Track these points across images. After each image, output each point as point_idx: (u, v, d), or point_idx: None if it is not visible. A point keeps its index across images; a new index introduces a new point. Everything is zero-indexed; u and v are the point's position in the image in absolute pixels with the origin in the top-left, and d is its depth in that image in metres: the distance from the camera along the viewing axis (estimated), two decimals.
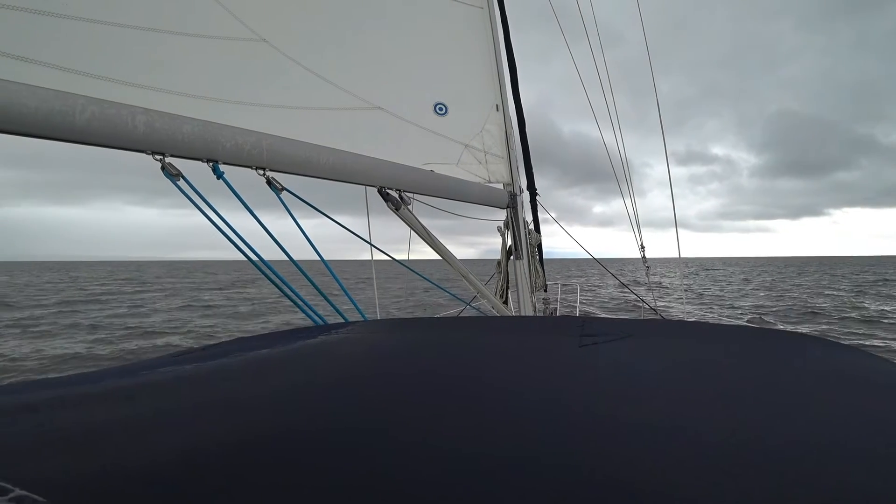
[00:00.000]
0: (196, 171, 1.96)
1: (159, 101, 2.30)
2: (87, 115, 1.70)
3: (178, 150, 1.87)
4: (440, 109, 3.20)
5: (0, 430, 0.64)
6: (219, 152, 1.95)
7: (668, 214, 5.33)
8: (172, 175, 1.87)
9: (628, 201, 4.98)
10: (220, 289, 40.77)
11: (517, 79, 3.80)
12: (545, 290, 4.18)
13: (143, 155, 1.86)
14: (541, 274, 4.05)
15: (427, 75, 3.28)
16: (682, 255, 5.19)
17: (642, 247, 5.08)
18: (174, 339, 15.45)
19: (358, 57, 3.07)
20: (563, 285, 9.56)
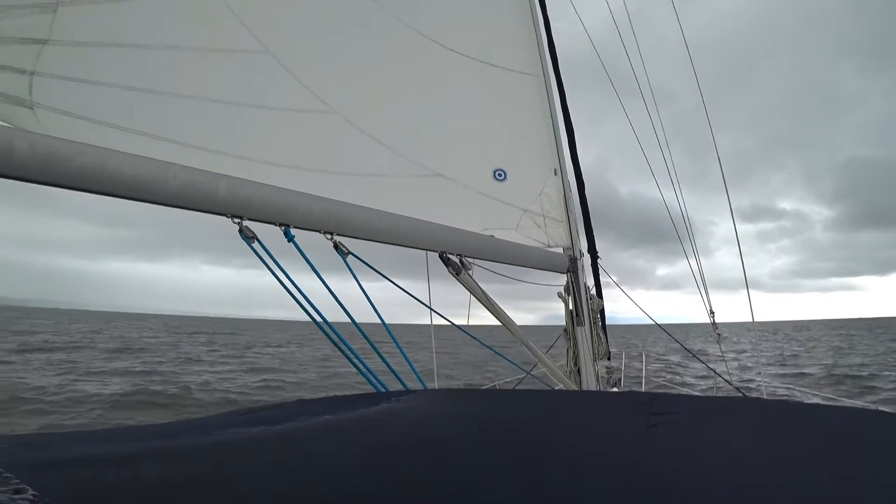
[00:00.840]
0: (269, 234, 2.07)
1: (239, 167, 2.50)
2: (178, 182, 1.86)
3: (254, 214, 1.99)
4: (499, 175, 3.28)
5: (91, 481, 0.67)
6: (291, 217, 2.07)
7: (736, 275, 5.02)
8: (248, 237, 1.99)
9: (693, 262, 4.75)
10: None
11: (574, 142, 3.84)
12: (609, 359, 3.99)
13: (222, 217, 1.99)
14: (604, 341, 3.88)
15: (486, 142, 3.39)
16: (755, 319, 4.84)
17: (711, 311, 4.78)
18: None
19: (421, 126, 3.24)
20: (628, 353, 9.12)
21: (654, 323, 4.76)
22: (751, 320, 4.95)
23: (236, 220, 1.98)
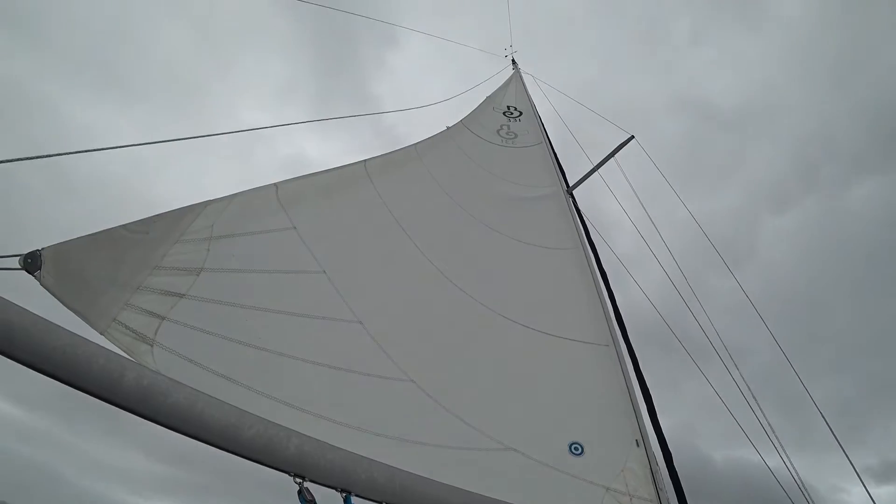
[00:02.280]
0: (328, 498, 1.94)
1: (305, 422, 2.54)
2: (252, 432, 1.88)
3: (318, 476, 1.92)
4: (576, 449, 3.07)
5: None
6: (354, 483, 1.97)
7: None
8: (307, 501, 1.87)
9: None
10: None
11: (654, 410, 3.62)
12: None
13: (282, 475, 1.92)
14: None
15: (560, 415, 3.31)
16: None
17: None
18: None
19: (494, 399, 3.29)
20: None
21: None
22: None
23: (297, 481, 1.91)
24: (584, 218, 5.98)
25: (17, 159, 2.04)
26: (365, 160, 5.15)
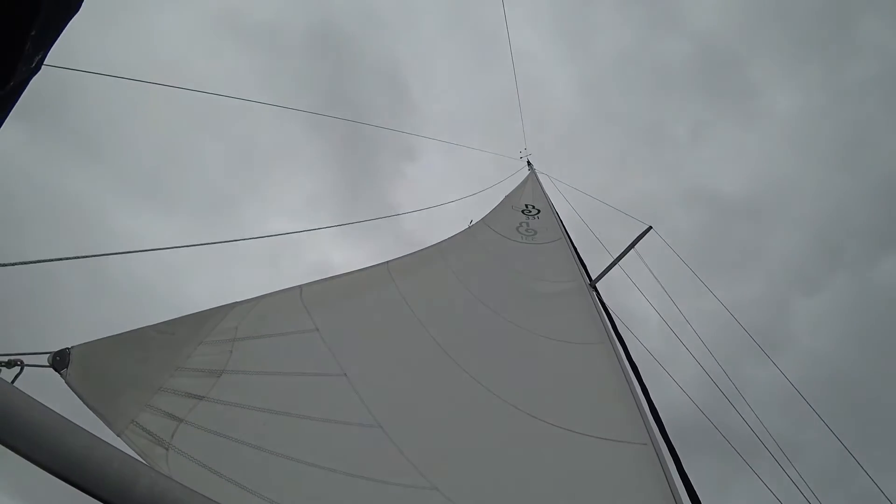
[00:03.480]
0: None
1: None
2: None
3: None
4: None
5: None
6: None
7: None
8: None
9: None
10: None
11: None
12: None
13: None
14: None
15: None
16: None
17: None
18: None
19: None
20: None
21: None
22: None
23: None
24: (610, 311, 5.89)
25: (57, 259, 2.19)
26: (388, 261, 5.30)
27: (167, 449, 2.41)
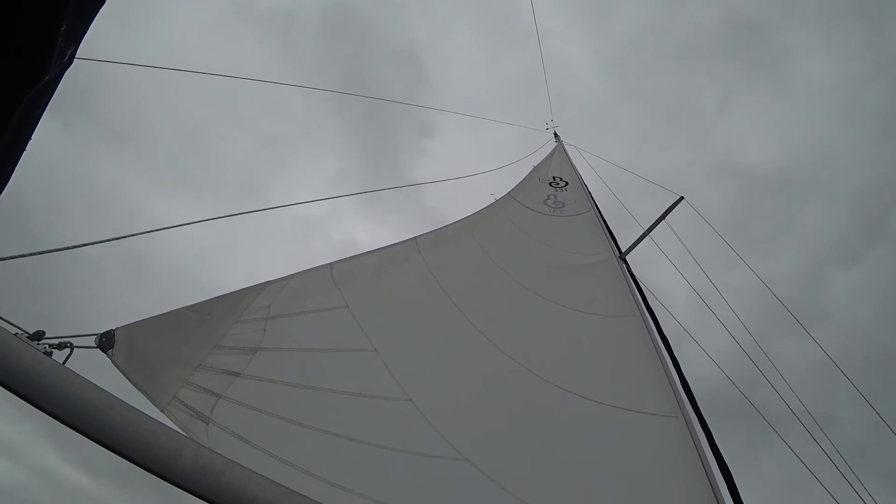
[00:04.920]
0: None
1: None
2: None
3: None
4: None
5: None
6: None
7: None
8: None
9: None
10: None
11: (734, 484, 3.25)
12: None
13: None
14: None
15: (629, 492, 3.06)
16: None
17: None
18: None
19: (558, 477, 3.10)
20: None
21: None
22: None
23: None
24: (641, 283, 5.80)
25: (91, 243, 2.29)
26: (416, 237, 5.32)
27: (207, 423, 2.53)
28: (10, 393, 1.58)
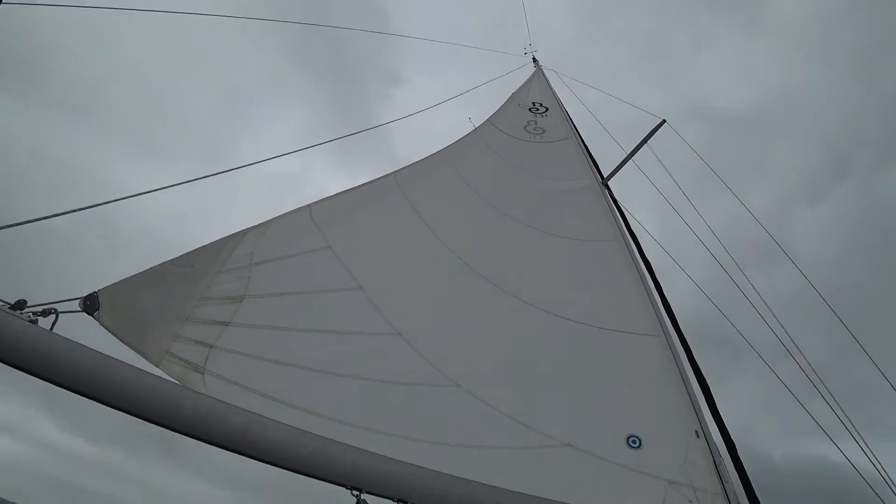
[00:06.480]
0: None
1: (358, 437, 2.59)
2: (309, 450, 1.93)
3: (374, 487, 1.94)
4: (633, 442, 2.99)
5: None
6: (410, 493, 1.98)
7: None
8: None
9: None
10: None
11: (713, 400, 3.47)
12: None
13: (339, 488, 1.95)
14: None
15: (615, 408, 3.23)
16: None
17: None
18: None
19: (546, 397, 3.24)
20: None
21: None
22: None
23: (355, 493, 1.93)
24: (623, 208, 5.83)
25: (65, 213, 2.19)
26: (395, 171, 5.20)
27: (203, 373, 2.55)
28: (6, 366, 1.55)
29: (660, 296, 4.11)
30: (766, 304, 4.71)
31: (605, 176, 6.63)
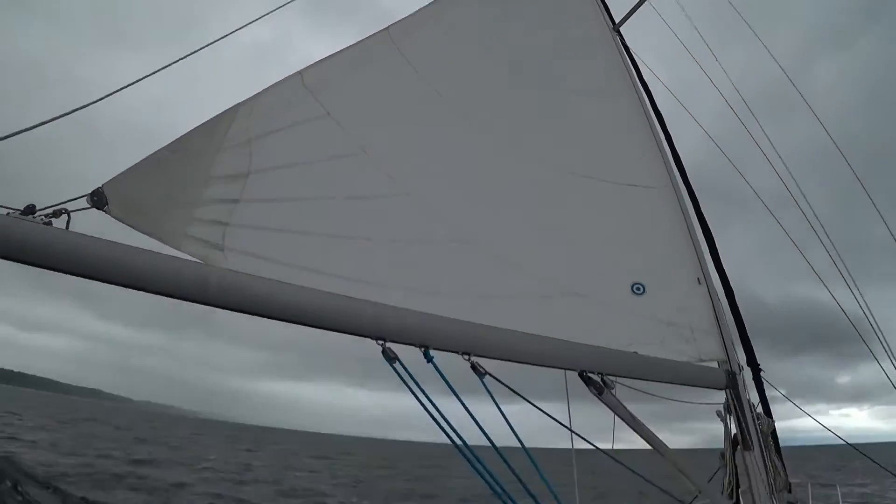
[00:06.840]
0: (410, 358, 2.15)
1: (382, 295, 2.75)
2: (332, 307, 2.07)
3: (396, 336, 2.11)
4: (637, 289, 3.16)
5: None
6: (430, 338, 2.15)
7: None
8: (390, 358, 2.08)
9: (889, 366, 3.91)
10: None
11: (716, 249, 3.60)
12: (789, 491, 3.32)
13: (367, 341, 2.13)
14: (781, 469, 3.26)
15: (621, 257, 3.35)
16: None
17: None
18: None
19: (554, 247, 3.34)
20: (816, 483, 7.43)
21: (844, 443, 3.92)
22: None
23: (380, 342, 2.10)
24: (634, 55, 5.43)
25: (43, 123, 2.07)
26: (388, 27, 4.79)
27: (223, 250, 2.64)
28: (36, 268, 1.60)
29: (670, 148, 4.03)
30: (773, 147, 4.61)
31: (616, 22, 6.08)
